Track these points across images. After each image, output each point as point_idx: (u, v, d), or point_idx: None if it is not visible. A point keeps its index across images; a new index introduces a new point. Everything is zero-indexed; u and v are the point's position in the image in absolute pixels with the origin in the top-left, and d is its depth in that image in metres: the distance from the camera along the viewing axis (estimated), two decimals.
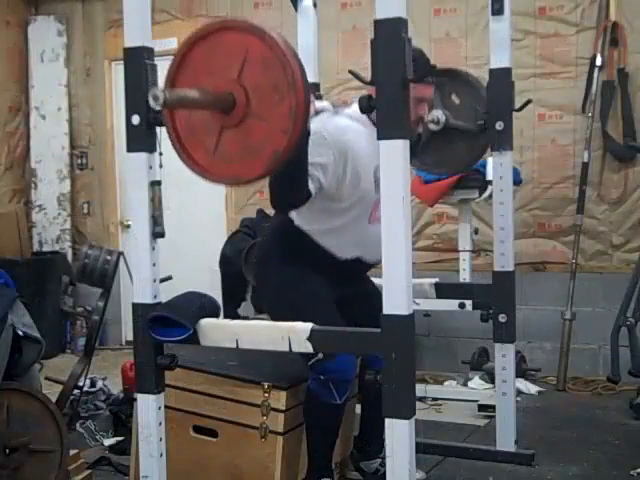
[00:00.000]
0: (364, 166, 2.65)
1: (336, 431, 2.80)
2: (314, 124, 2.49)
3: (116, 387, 4.05)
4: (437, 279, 3.62)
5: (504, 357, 3.36)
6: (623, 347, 3.78)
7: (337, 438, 2.84)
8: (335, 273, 2.75)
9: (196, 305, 2.46)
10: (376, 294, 2.28)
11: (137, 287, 2.39)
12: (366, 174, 2.66)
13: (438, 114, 3.52)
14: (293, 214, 2.78)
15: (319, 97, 3.47)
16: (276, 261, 2.81)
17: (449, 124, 3.68)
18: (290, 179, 2.37)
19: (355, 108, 2.74)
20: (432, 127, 3.35)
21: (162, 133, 2.35)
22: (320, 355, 2.55)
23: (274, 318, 2.71)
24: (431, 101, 2.86)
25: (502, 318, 3.29)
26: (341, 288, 2.79)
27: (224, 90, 2.08)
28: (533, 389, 4.46)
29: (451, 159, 3.78)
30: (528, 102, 3.45)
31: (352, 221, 2.72)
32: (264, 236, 2.93)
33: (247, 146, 2.09)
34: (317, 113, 2.60)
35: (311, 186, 2.54)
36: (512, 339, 3.34)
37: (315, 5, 3.43)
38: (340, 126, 2.67)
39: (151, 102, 1.94)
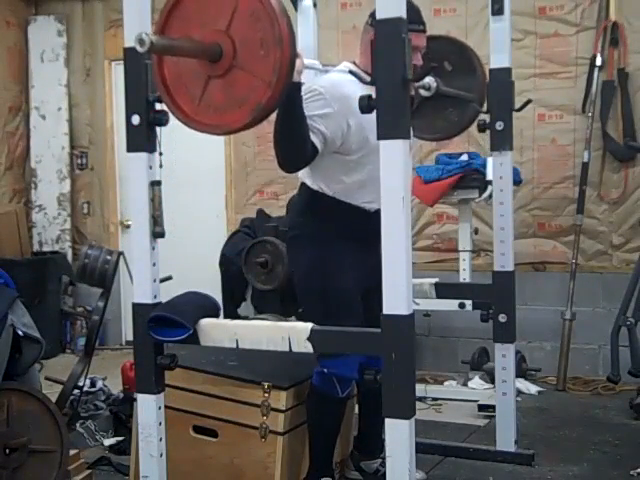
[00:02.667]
0: (367, 117, 2.63)
1: (337, 427, 2.80)
2: (307, 82, 2.51)
3: (116, 387, 4.05)
4: (437, 279, 3.63)
5: (504, 357, 3.36)
6: (623, 347, 3.78)
7: (338, 436, 2.84)
8: (366, 236, 2.66)
9: (196, 305, 2.46)
10: None
11: (137, 287, 2.39)
12: (371, 125, 2.64)
13: (429, 80, 3.51)
14: (312, 182, 2.78)
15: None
16: (306, 241, 2.79)
17: (440, 91, 3.67)
18: (291, 135, 2.38)
19: (344, 65, 2.76)
20: (423, 93, 3.32)
21: (162, 133, 2.35)
22: None
23: (303, 306, 2.79)
24: (424, 49, 2.83)
25: (502, 318, 3.29)
26: (373, 267, 2.75)
27: (212, 40, 2.10)
28: (533, 389, 4.46)
29: (441, 125, 3.78)
30: (528, 102, 3.45)
31: (369, 174, 2.68)
32: (291, 212, 2.92)
33: (232, 96, 2.12)
34: (306, 68, 2.59)
35: (314, 139, 2.55)
36: (512, 339, 3.35)
37: (315, 5, 3.43)
38: (334, 80, 2.69)
39: (137, 46, 1.94)
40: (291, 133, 2.47)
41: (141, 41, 1.91)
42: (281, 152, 2.53)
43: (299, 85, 2.40)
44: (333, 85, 2.65)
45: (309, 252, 2.76)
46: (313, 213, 2.79)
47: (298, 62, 2.24)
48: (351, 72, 2.71)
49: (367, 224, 2.70)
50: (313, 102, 2.55)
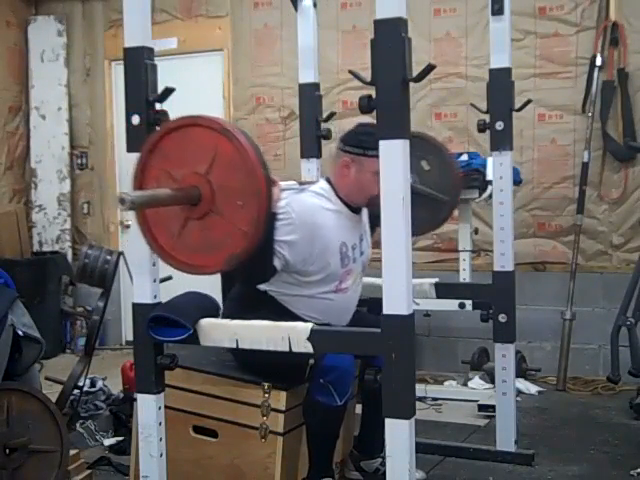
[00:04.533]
0: (330, 243, 2.73)
1: (337, 432, 2.80)
2: (282, 202, 2.57)
3: (116, 387, 4.05)
4: (437, 279, 3.63)
5: (504, 357, 3.36)
6: (623, 347, 3.77)
7: (338, 439, 2.84)
8: None
9: (196, 305, 2.46)
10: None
11: (137, 287, 2.39)
12: (332, 251, 2.74)
13: None
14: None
15: (319, 97, 3.49)
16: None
17: (415, 188, 3.74)
18: (257, 257, 2.35)
19: (321, 185, 2.85)
20: None
21: None
22: (311, 361, 2.57)
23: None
24: None
25: (502, 318, 3.29)
26: None
27: (192, 183, 2.12)
28: (533, 389, 4.46)
29: (415, 223, 3.81)
30: (528, 102, 3.46)
31: (319, 294, 2.77)
32: (227, 306, 2.92)
33: (208, 240, 2.14)
34: (283, 191, 2.63)
35: (277, 263, 2.61)
36: (512, 339, 3.35)
37: (315, 5, 3.43)
38: (307, 205, 2.73)
39: (119, 206, 1.98)
40: (258, 257, 2.43)
41: (122, 200, 1.95)
42: (244, 270, 2.55)
43: (274, 216, 2.47)
44: (305, 212, 2.69)
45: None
46: (252, 308, 2.74)
47: (275, 190, 2.29)
48: (320, 191, 2.79)
49: None
50: (283, 226, 2.59)
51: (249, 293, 2.79)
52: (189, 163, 2.14)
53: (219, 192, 2.11)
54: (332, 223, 2.74)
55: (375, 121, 2.05)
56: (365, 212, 2.93)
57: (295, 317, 2.71)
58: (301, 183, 2.93)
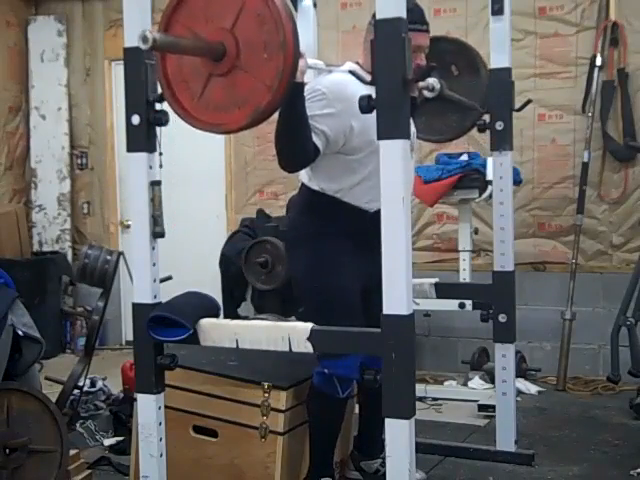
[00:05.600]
0: (370, 118, 2.63)
1: (338, 427, 2.80)
2: (310, 82, 2.50)
3: (116, 387, 4.05)
4: (437, 279, 3.62)
5: (504, 357, 3.36)
6: (623, 347, 3.78)
7: (338, 436, 2.84)
8: (366, 236, 2.64)
9: (196, 305, 2.46)
10: None
11: (137, 287, 2.39)
12: (371, 121, 2.64)
13: (433, 81, 3.50)
14: (313, 182, 2.76)
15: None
16: (306, 240, 2.77)
17: (443, 93, 3.67)
18: (292, 135, 2.36)
19: (348, 66, 2.75)
20: (426, 94, 3.32)
21: (162, 133, 2.35)
22: None
23: (303, 305, 2.78)
24: (427, 49, 2.82)
25: (502, 318, 3.29)
26: (373, 266, 2.73)
27: (216, 39, 2.09)
28: (533, 389, 4.46)
29: (440, 128, 3.77)
30: (528, 102, 3.45)
31: (370, 174, 2.66)
32: (292, 211, 2.91)
33: (232, 96, 2.11)
34: (310, 68, 2.58)
35: (316, 140, 2.54)
36: (512, 339, 3.35)
37: (315, 5, 3.43)
38: (337, 80, 2.68)
39: (140, 43, 1.93)
40: (293, 134, 2.46)
41: (144, 38, 1.91)
42: (283, 153, 2.52)
43: (302, 86, 2.39)
44: (336, 85, 2.64)
45: (309, 251, 2.75)
46: (313, 213, 2.78)
47: (301, 62, 2.22)
48: (351, 72, 2.70)
49: (367, 224, 2.69)
50: (315, 102, 2.54)
51: (308, 197, 2.77)
52: (214, 18, 2.10)
53: (244, 47, 2.07)
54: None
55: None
56: None
57: (351, 209, 2.72)
58: (328, 64, 2.87)
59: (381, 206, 2.07)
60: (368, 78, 2.53)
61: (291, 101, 2.30)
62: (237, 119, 2.11)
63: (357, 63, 2.80)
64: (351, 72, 2.73)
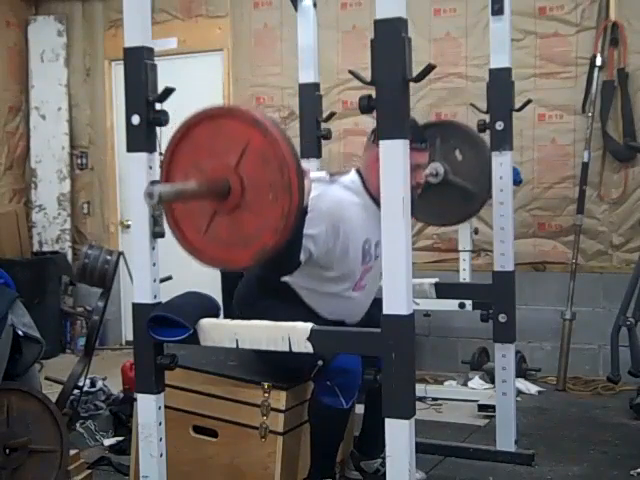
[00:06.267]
0: (354, 239, 2.71)
1: (341, 435, 2.80)
2: (311, 194, 2.50)
3: (116, 387, 4.05)
4: (437, 279, 3.62)
5: (504, 357, 3.36)
6: (623, 347, 3.78)
7: (342, 441, 2.84)
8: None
9: (196, 305, 2.46)
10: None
11: (137, 287, 2.39)
12: (355, 247, 2.72)
13: (437, 167, 3.53)
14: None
15: (319, 97, 3.48)
16: (256, 302, 2.81)
17: (447, 179, 3.70)
18: (284, 251, 2.34)
19: (351, 177, 2.82)
20: (431, 179, 3.35)
21: (162, 133, 2.35)
22: (319, 362, 2.57)
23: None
24: (426, 167, 2.93)
25: (502, 318, 3.29)
26: None
27: (221, 175, 2.10)
28: (533, 389, 4.46)
29: (444, 213, 3.83)
30: (528, 102, 3.45)
31: (340, 291, 2.76)
32: (243, 286, 2.92)
33: (237, 234, 2.12)
34: (312, 182, 2.59)
35: (302, 256, 2.58)
36: (512, 339, 3.34)
37: (315, 5, 3.42)
38: (335, 199, 2.70)
39: (146, 199, 1.95)
40: (286, 251, 2.37)
41: (150, 195, 1.92)
42: (271, 263, 2.51)
43: (305, 211, 2.41)
44: (332, 203, 2.67)
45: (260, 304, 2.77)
46: (268, 294, 2.77)
47: (306, 182, 2.20)
48: (349, 184, 2.77)
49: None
50: (310, 219, 2.53)
51: (268, 280, 2.78)
52: (218, 155, 2.11)
53: (249, 186, 2.07)
54: (358, 219, 2.71)
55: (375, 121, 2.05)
56: None
57: (308, 309, 2.74)
58: (331, 174, 2.90)
59: (381, 206, 2.06)
60: (363, 195, 2.73)
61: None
62: (243, 257, 2.12)
63: (358, 172, 2.83)
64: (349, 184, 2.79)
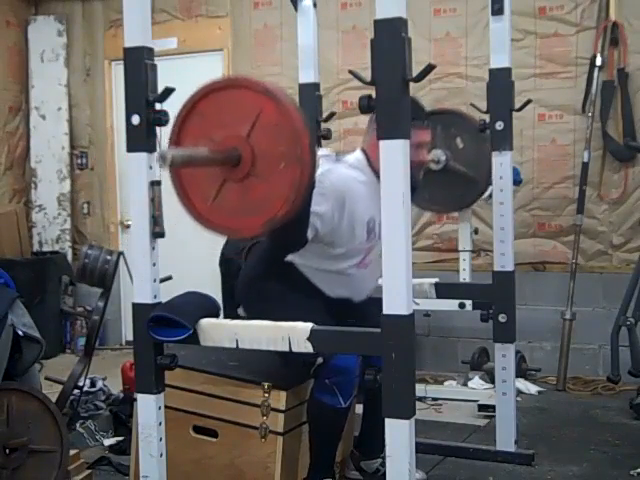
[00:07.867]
0: (359, 217, 2.72)
1: (340, 434, 2.80)
2: (318, 171, 2.50)
3: (116, 387, 4.05)
4: (437, 279, 3.63)
5: (504, 357, 3.36)
6: (623, 347, 3.78)
7: (340, 440, 2.84)
8: (323, 305, 2.76)
9: (196, 305, 2.46)
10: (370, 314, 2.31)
11: (137, 287, 2.39)
12: (360, 225, 2.73)
13: (439, 154, 3.53)
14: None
15: (319, 97, 3.48)
16: (262, 284, 2.82)
17: (448, 166, 3.72)
18: (292, 228, 2.36)
19: (356, 156, 2.81)
20: (432, 166, 3.35)
21: (162, 133, 2.35)
22: (319, 360, 2.57)
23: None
24: (429, 145, 2.93)
25: (502, 318, 3.29)
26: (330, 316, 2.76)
27: (232, 145, 2.09)
28: (533, 389, 4.46)
29: (445, 199, 3.84)
30: (528, 102, 3.46)
31: (345, 269, 2.77)
32: (248, 268, 2.92)
33: (246, 203, 2.12)
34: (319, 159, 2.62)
35: (308, 233, 2.60)
36: (512, 339, 3.35)
37: (315, 5, 3.42)
38: (341, 176, 2.71)
39: (159, 162, 1.96)
40: (294, 228, 2.45)
41: (163, 157, 1.93)
42: (279, 240, 2.58)
43: (313, 185, 2.40)
44: (338, 180, 2.68)
45: (264, 286, 2.79)
46: (274, 274, 2.78)
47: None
48: (354, 162, 2.78)
49: (324, 302, 2.76)
50: (317, 196, 2.54)
51: (273, 261, 2.79)
52: (229, 125, 2.10)
53: (260, 155, 2.07)
54: (363, 197, 2.71)
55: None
56: None
57: (314, 288, 2.75)
58: (337, 153, 2.90)
59: (381, 206, 2.06)
60: (368, 173, 2.72)
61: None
62: (252, 226, 2.12)
63: (364, 151, 2.83)
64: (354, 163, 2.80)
